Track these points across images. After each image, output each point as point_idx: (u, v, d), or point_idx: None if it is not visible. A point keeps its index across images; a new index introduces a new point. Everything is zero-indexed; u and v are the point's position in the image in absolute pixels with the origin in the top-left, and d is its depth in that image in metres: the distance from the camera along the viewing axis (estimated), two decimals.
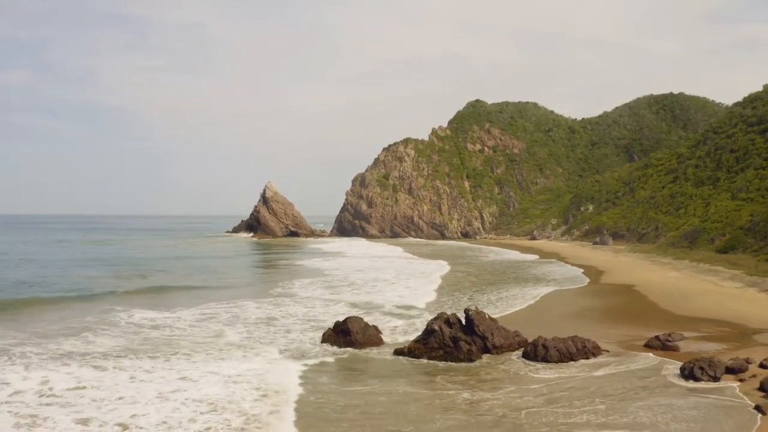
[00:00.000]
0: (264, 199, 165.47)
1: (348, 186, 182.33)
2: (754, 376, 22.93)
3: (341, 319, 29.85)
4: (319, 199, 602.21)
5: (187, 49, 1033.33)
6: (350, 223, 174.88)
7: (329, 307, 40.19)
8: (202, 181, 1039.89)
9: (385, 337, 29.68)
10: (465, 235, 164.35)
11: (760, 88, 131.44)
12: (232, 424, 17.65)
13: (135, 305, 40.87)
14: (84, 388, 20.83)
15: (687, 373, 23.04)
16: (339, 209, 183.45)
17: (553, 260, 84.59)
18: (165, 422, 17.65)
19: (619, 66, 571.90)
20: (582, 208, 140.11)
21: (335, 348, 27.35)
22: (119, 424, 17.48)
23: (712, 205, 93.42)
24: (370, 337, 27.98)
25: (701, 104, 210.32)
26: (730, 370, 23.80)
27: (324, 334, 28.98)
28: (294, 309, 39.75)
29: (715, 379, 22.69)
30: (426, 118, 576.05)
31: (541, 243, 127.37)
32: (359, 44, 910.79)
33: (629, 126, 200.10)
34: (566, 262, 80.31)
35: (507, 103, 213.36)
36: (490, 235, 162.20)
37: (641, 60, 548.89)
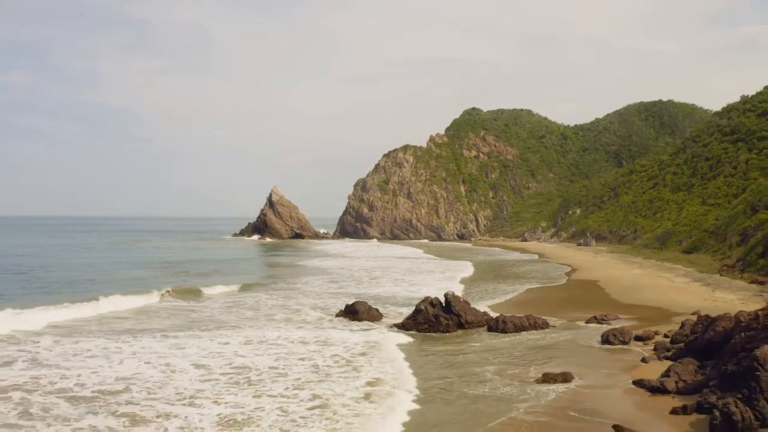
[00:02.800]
0: (270, 203, 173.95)
1: (348, 187, 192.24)
2: (655, 342, 31.19)
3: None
4: (319, 199, 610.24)
5: (187, 50, 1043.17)
6: (352, 226, 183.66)
7: (340, 299, 48.43)
8: (202, 182, 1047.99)
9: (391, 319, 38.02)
10: (461, 237, 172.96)
11: (738, 98, 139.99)
12: (337, 360, 26.27)
13: (172, 297, 48.95)
14: (182, 348, 28.77)
15: (604, 339, 31.33)
16: (338, 210, 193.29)
17: (539, 260, 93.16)
18: (276, 366, 25.37)
19: (618, 68, 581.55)
20: (570, 212, 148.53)
21: (345, 324, 35.66)
22: (239, 367, 25.22)
23: (684, 210, 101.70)
24: (373, 315, 36.34)
25: (689, 111, 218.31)
26: (639, 338, 32.11)
27: (337, 313, 37.38)
28: (309, 300, 48.08)
29: (624, 343, 30.97)
30: (426, 119, 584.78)
31: (531, 244, 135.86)
32: (359, 46, 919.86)
33: (619, 132, 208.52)
34: (549, 262, 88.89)
35: (502, 111, 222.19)
36: (484, 237, 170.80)
37: (641, 62, 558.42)
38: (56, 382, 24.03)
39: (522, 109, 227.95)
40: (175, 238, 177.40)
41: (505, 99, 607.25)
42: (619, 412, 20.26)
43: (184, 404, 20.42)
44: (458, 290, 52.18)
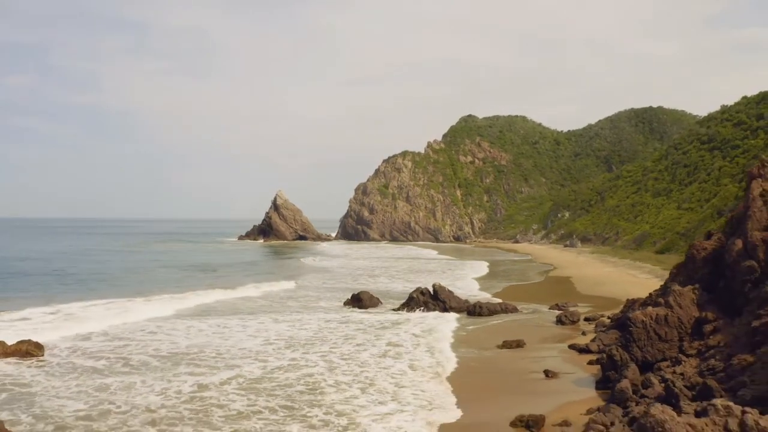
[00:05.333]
0: (275, 206, 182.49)
1: (347, 190, 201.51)
2: (597, 322, 39.49)
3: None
4: (319, 201, 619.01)
5: (187, 52, 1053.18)
6: (353, 228, 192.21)
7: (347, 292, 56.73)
8: (202, 184, 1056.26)
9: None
10: (457, 239, 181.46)
11: (718, 108, 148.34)
12: (364, 331, 35.01)
13: (206, 290, 57.23)
14: (227, 327, 37.03)
15: (558, 320, 39.68)
16: (336, 212, 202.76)
17: (528, 260, 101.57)
18: (315, 336, 33.81)
19: (618, 69, 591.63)
20: (559, 215, 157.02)
21: (353, 309, 44.06)
22: (286, 337, 33.53)
23: (661, 213, 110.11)
24: (374, 303, 44.76)
25: (678, 117, 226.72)
26: (588, 319, 40.44)
27: (345, 302, 45.83)
28: (319, 293, 56.42)
29: (574, 323, 39.30)
30: (425, 121, 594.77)
31: (521, 246, 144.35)
32: (359, 48, 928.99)
33: (609, 138, 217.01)
34: (535, 261, 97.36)
35: (497, 117, 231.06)
36: (479, 239, 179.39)
37: (640, 63, 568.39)
38: (139, 349, 32.30)
39: (516, 116, 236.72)
40: (182, 241, 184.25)
41: (503, 101, 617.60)
42: (552, 363, 28.56)
43: (250, 360, 28.79)
44: (476, 286, 61.51)
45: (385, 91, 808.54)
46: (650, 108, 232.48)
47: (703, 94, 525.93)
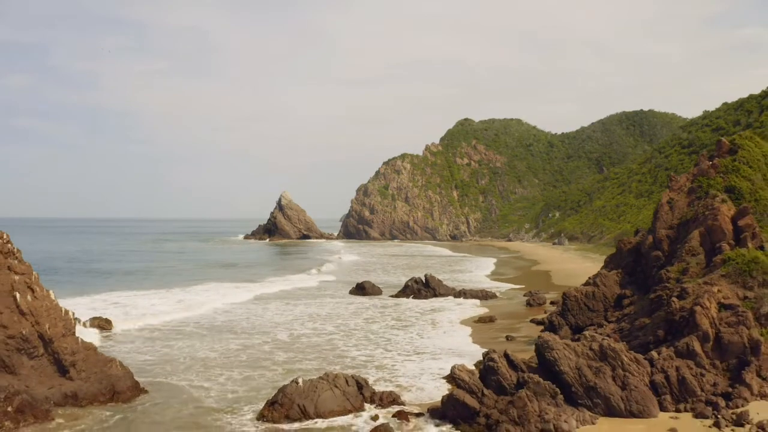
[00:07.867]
0: (280, 206, 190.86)
1: (347, 189, 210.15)
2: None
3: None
4: (318, 201, 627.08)
5: (187, 53, 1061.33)
6: (355, 227, 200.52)
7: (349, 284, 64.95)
8: (202, 184, 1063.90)
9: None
10: (453, 238, 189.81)
11: (700, 113, 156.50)
12: (368, 309, 43.36)
13: (231, 282, 65.38)
14: (253, 309, 45.50)
15: (527, 302, 47.97)
16: (335, 211, 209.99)
17: (516, 256, 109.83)
18: (330, 313, 42.50)
19: (617, 70, 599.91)
20: (550, 215, 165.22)
21: (358, 296, 52.32)
22: (309, 314, 42.18)
23: (642, 213, 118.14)
24: (376, 290, 53.06)
25: (668, 120, 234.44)
26: (553, 302, 48.65)
27: (350, 290, 54.11)
28: (328, 283, 64.65)
29: (540, 305, 47.56)
30: (424, 121, 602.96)
31: (514, 244, 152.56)
32: (359, 49, 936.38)
33: (601, 141, 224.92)
34: (523, 258, 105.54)
35: (493, 120, 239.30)
36: (474, 238, 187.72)
37: (640, 64, 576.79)
38: (179, 325, 40.47)
39: (511, 119, 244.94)
40: (192, 240, 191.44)
41: (502, 101, 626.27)
42: (514, 332, 36.85)
43: (280, 329, 37.18)
44: (486, 280, 69.17)
45: (385, 91, 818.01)
46: (641, 111, 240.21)
47: (702, 94, 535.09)
